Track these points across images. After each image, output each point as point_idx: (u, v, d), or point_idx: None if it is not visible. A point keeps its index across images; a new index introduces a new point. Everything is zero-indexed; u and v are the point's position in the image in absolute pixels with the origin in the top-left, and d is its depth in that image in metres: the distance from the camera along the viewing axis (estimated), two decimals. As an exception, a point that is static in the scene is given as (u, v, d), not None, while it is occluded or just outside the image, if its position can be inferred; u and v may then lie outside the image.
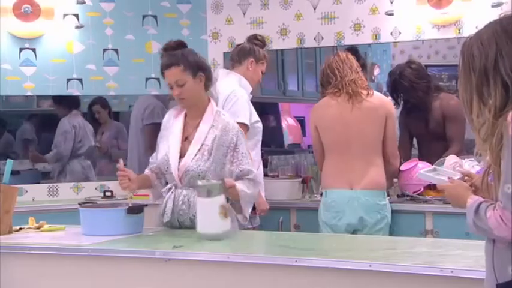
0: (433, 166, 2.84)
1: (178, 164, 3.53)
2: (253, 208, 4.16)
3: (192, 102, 3.59)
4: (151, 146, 5.62)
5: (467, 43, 2.18)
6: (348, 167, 4.19)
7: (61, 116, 6.06)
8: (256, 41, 4.54)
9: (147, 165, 3.77)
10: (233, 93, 4.21)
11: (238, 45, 4.69)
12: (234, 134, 3.52)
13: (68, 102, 6.00)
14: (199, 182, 3.27)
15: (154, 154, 3.75)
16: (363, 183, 4.18)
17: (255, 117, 4.30)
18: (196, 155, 3.50)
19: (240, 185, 3.47)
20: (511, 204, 1.98)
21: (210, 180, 3.33)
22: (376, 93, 4.32)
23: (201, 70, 3.54)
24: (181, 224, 3.58)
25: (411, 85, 4.83)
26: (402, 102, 4.97)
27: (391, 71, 5.01)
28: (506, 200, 1.99)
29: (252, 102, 4.37)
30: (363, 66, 4.95)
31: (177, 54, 3.56)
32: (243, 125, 4.10)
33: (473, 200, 2.14)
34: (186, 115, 3.65)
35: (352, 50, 4.97)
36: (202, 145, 3.51)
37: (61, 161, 5.97)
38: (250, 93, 4.40)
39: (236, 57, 4.45)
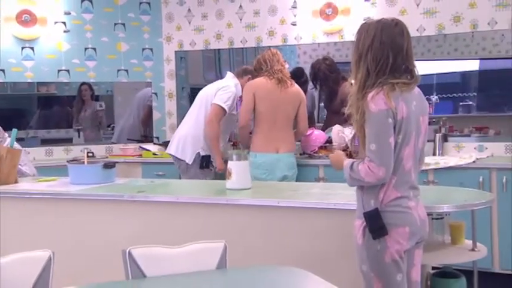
0: None
1: None
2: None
3: None
4: (139, 114, 5.58)
5: (362, 27, 2.17)
6: (274, 136, 4.15)
7: None
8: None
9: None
10: (228, 86, 4.27)
11: (244, 66, 4.62)
12: None
13: None
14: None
15: None
16: (284, 148, 4.17)
17: (235, 111, 4.32)
18: None
19: None
20: (374, 157, 2.05)
21: None
22: (295, 84, 4.25)
23: None
24: None
25: (325, 77, 4.79)
26: (319, 87, 4.95)
27: (312, 64, 4.88)
28: (371, 155, 2.06)
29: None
30: (306, 82, 4.89)
31: None
32: (221, 108, 4.17)
33: (347, 161, 2.19)
34: None
35: (299, 70, 4.96)
36: None
37: None
38: (240, 97, 4.33)
39: (241, 72, 4.43)
